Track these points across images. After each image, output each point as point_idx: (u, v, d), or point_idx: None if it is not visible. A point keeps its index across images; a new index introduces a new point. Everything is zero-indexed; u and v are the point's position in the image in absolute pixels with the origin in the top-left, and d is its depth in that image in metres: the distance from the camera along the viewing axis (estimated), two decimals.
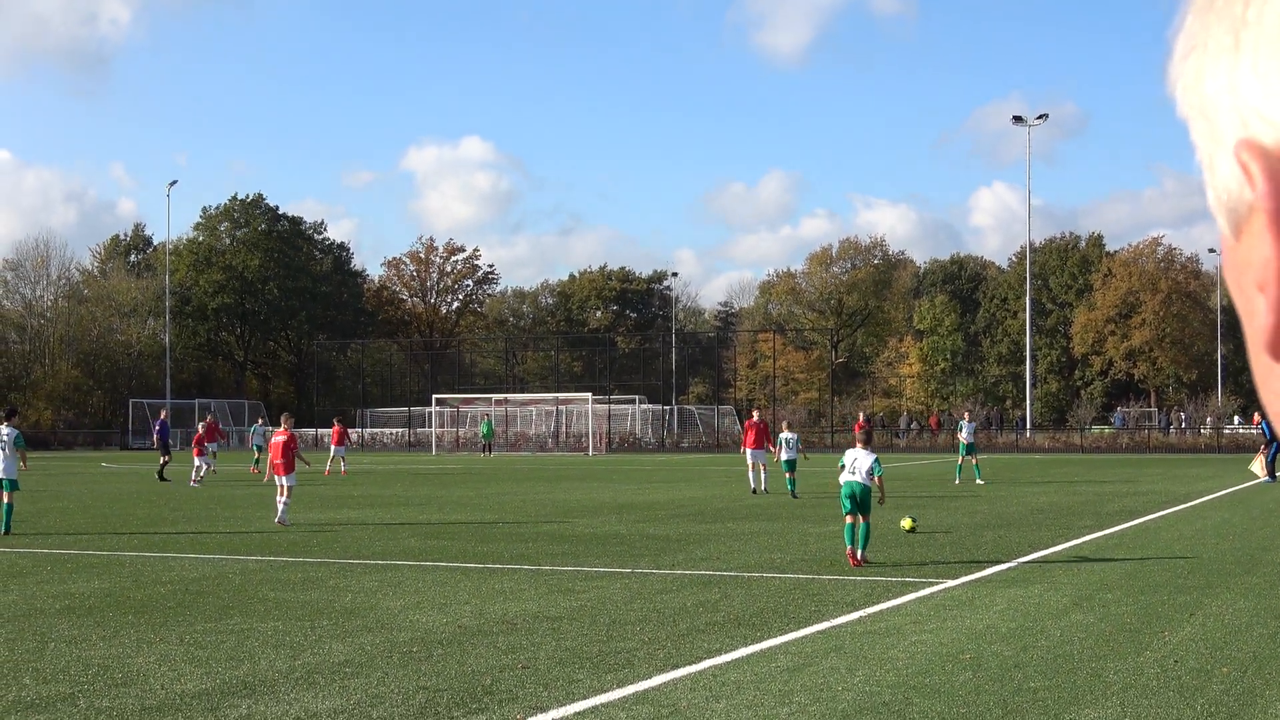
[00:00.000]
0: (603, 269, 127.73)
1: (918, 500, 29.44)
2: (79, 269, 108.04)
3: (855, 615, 12.78)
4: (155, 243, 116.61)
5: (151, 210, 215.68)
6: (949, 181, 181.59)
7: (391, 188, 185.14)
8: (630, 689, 9.42)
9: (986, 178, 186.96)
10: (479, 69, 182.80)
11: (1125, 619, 12.50)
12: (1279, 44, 0.77)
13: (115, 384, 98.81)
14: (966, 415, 39.73)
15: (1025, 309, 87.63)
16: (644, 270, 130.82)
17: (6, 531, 21.99)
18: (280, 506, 23.97)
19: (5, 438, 22.66)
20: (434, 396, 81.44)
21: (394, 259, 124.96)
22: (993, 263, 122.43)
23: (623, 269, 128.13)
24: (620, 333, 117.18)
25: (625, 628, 12.11)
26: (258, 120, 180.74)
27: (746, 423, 33.40)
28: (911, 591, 14.45)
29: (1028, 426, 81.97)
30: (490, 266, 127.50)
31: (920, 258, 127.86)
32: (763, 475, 32.43)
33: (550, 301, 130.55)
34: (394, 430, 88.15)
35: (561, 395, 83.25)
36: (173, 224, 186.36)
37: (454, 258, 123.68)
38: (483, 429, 72.54)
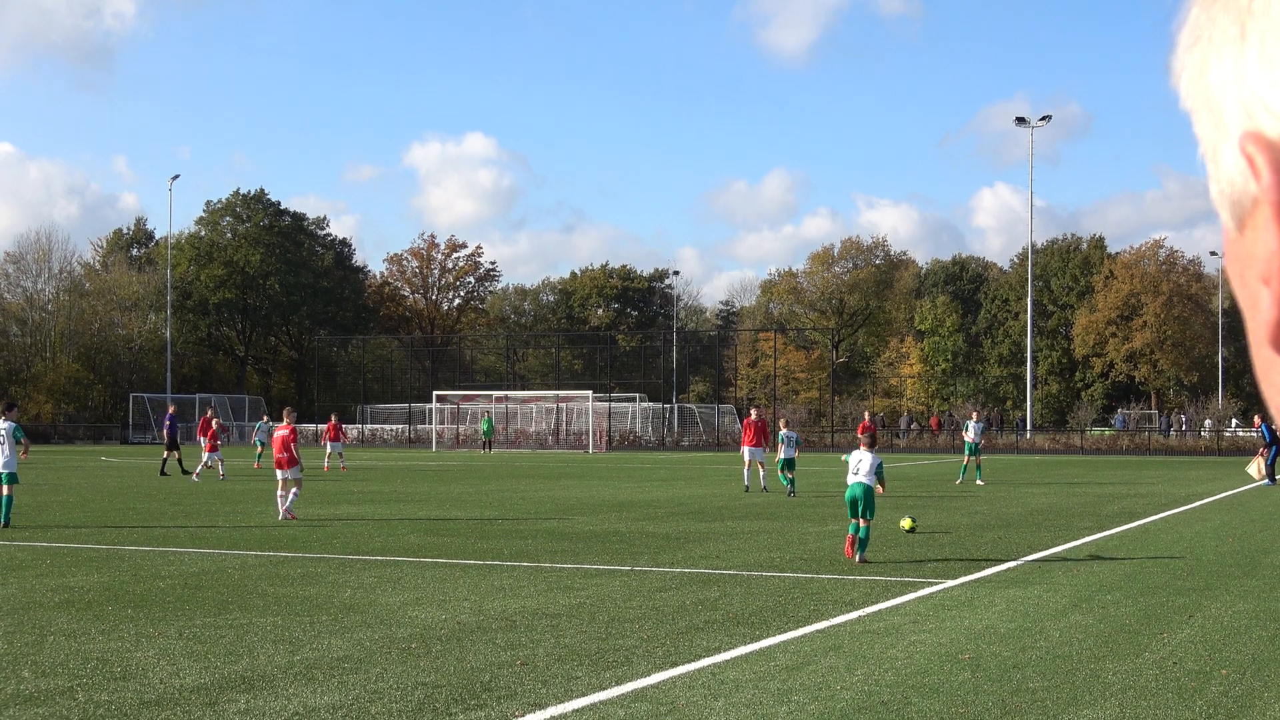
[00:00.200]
0: (604, 267, 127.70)
1: (918, 500, 29.44)
2: (80, 263, 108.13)
3: (854, 615, 12.78)
4: (157, 237, 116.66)
5: (154, 204, 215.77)
6: (952, 182, 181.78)
7: (394, 183, 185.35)
8: (629, 687, 9.42)
9: (989, 178, 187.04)
10: (482, 65, 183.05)
11: (1124, 620, 12.50)
12: None
13: (116, 378, 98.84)
14: (974, 415, 39.60)
15: (1027, 310, 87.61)
16: (646, 268, 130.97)
17: (6, 524, 21.99)
18: (281, 499, 24.02)
19: (4, 431, 22.65)
20: (434, 393, 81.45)
21: (396, 255, 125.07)
22: (994, 264, 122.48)
23: (624, 267, 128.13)
24: (621, 331, 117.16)
25: (624, 625, 12.11)
26: (261, 115, 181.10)
27: (745, 421, 33.48)
28: (911, 591, 14.45)
29: (1028, 428, 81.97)
30: (492, 264, 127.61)
31: (922, 258, 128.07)
32: (761, 473, 32.53)
33: (551, 299, 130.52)
34: (394, 426, 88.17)
35: (562, 393, 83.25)
36: (175, 218, 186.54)
37: (455, 254, 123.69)
38: (483, 426, 72.54)
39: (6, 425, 22.68)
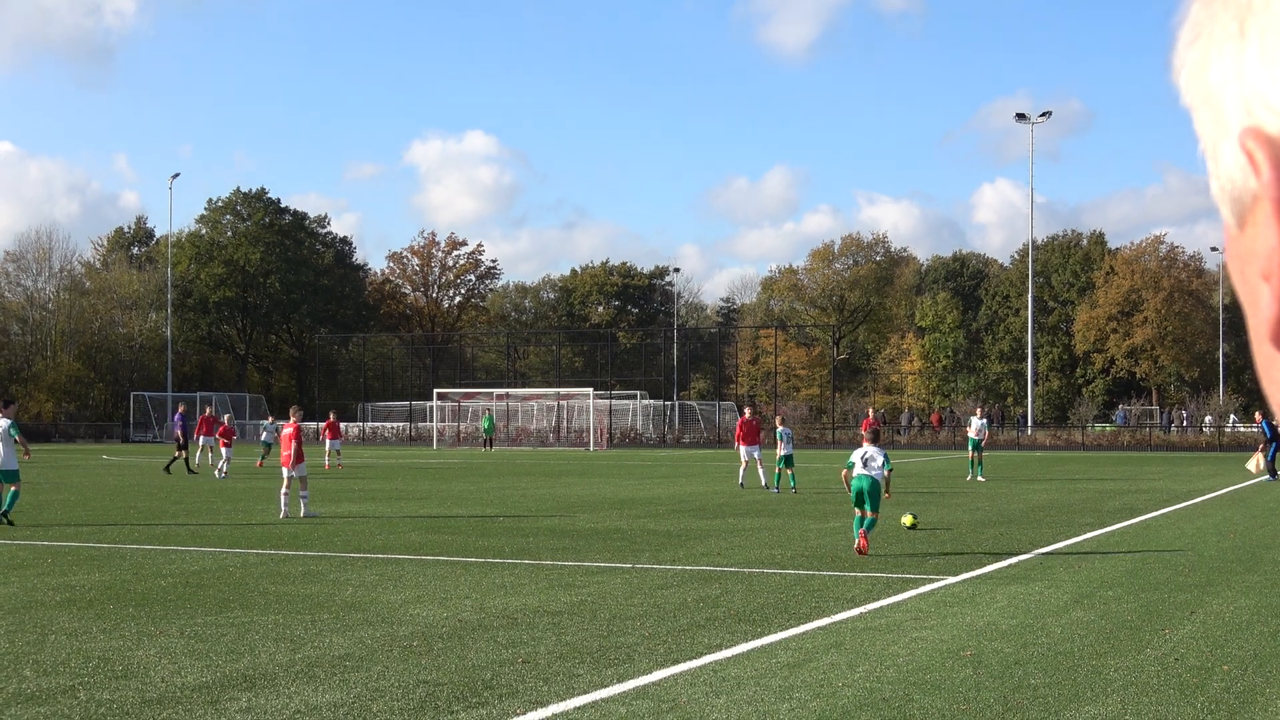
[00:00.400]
0: (605, 264, 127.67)
1: (919, 497, 29.43)
2: (81, 261, 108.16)
3: (856, 611, 12.78)
4: (158, 235, 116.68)
5: (154, 202, 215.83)
6: (952, 178, 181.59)
7: (395, 181, 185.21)
8: (630, 684, 9.42)
9: (990, 174, 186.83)
10: (483, 62, 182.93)
11: (1126, 616, 12.50)
12: None
13: (117, 377, 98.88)
14: (977, 412, 39.81)
15: (1027, 306, 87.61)
16: (646, 265, 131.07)
17: (3, 514, 22.08)
18: (285, 497, 24.08)
19: (3, 429, 22.66)
20: (435, 391, 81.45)
21: (396, 253, 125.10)
22: (995, 260, 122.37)
23: (625, 264, 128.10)
24: (622, 328, 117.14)
25: (626, 623, 12.11)
26: (261, 113, 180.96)
27: (740, 420, 33.68)
28: (912, 588, 14.45)
29: (1029, 424, 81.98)
30: (493, 261, 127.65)
31: (923, 254, 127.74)
32: (759, 470, 32.63)
33: (552, 296, 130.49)
34: (395, 424, 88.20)
35: (563, 390, 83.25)
36: (175, 216, 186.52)
37: (456, 252, 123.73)
38: (484, 424, 72.54)
39: (3, 423, 22.69)
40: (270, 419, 48.55)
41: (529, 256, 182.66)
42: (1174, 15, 0.86)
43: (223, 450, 39.41)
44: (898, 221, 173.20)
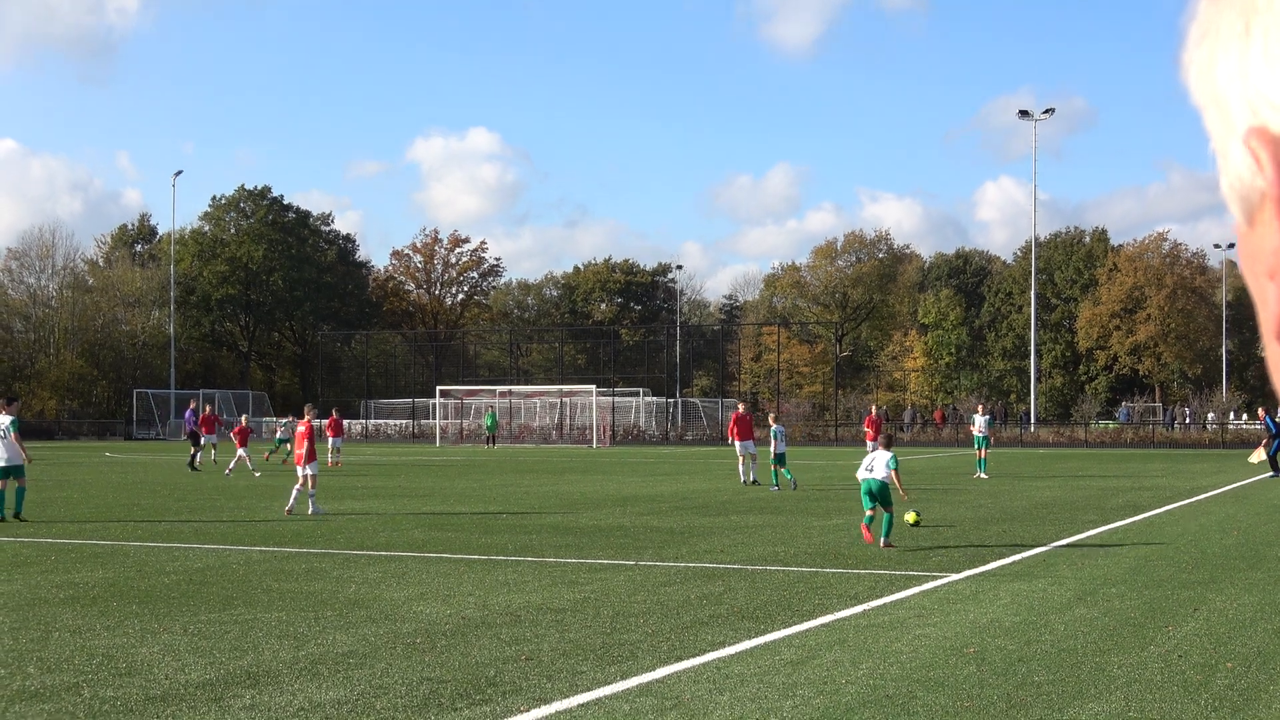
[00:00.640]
0: (607, 261, 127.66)
1: (922, 494, 29.41)
2: (84, 259, 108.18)
3: (859, 608, 12.78)
4: (161, 233, 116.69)
5: (157, 200, 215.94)
6: (955, 175, 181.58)
7: (398, 179, 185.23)
8: (634, 681, 9.42)
9: (993, 172, 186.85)
10: (486, 60, 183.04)
11: (1129, 613, 12.49)
12: None
13: (120, 374, 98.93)
14: (979, 409, 39.98)
15: (1030, 303, 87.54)
16: (649, 263, 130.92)
17: (13, 514, 22.36)
18: (310, 498, 24.17)
19: (5, 426, 22.76)
20: (438, 388, 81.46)
21: (399, 250, 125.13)
22: (998, 257, 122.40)
23: (627, 261, 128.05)
24: (625, 325, 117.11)
25: (629, 620, 12.11)
26: (264, 110, 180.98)
27: (734, 415, 33.92)
28: (915, 585, 14.45)
29: (1032, 421, 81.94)
30: (496, 259, 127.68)
31: (925, 252, 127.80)
32: (753, 466, 33.05)
33: (555, 294, 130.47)
34: (398, 422, 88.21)
35: (566, 387, 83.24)
36: (178, 214, 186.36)
37: (459, 249, 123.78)
38: (487, 421, 72.53)
39: (5, 420, 22.79)
40: (290, 417, 48.79)
41: (532, 254, 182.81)
42: (1182, 14, 0.86)
43: (238, 450, 39.37)
44: (901, 219, 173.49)
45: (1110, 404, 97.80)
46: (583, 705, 8.71)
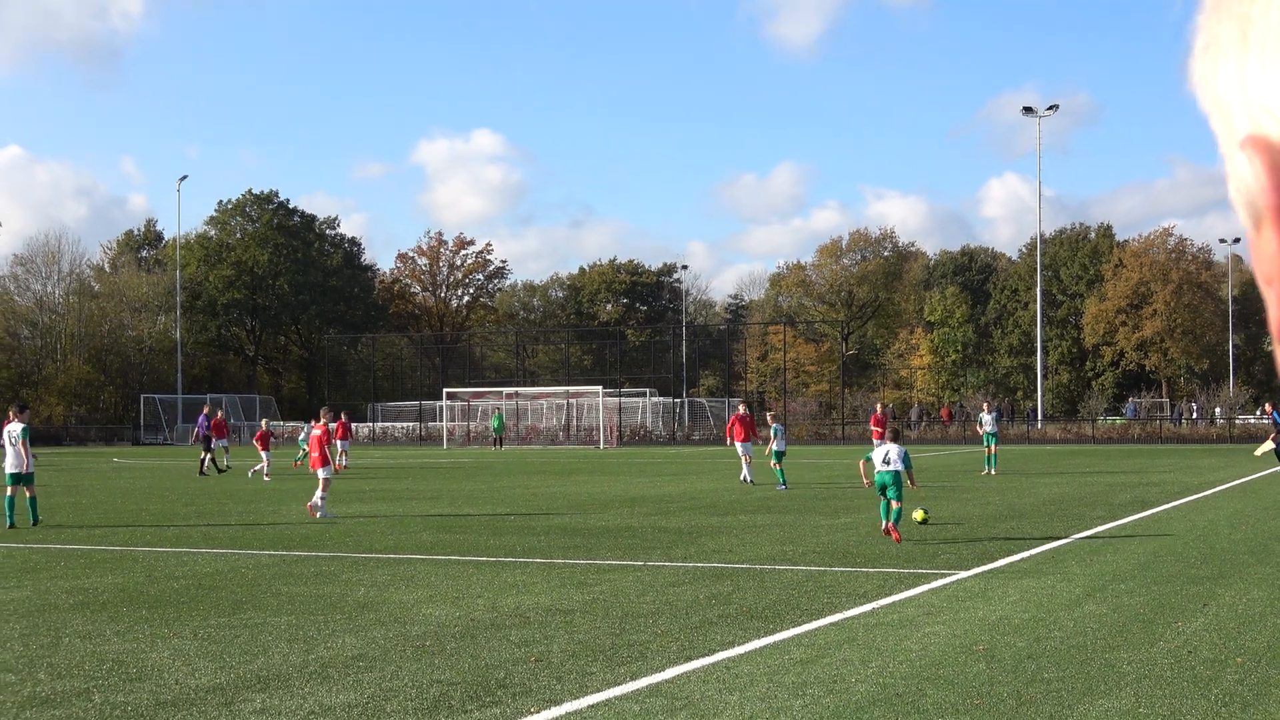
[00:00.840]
0: (613, 262, 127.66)
1: (930, 492, 29.40)
2: (90, 264, 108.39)
3: (868, 607, 12.78)
4: (166, 238, 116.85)
5: (162, 204, 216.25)
6: (960, 173, 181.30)
7: (402, 181, 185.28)
8: (643, 681, 9.43)
9: (998, 168, 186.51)
10: (489, 61, 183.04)
11: (1138, 610, 12.49)
12: None
13: (126, 379, 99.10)
14: (985, 406, 40.29)
15: (1036, 300, 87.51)
16: (654, 263, 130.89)
17: (18, 524, 22.48)
18: (318, 500, 24.22)
19: (16, 433, 22.90)
20: (445, 390, 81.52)
21: (405, 253, 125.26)
22: (1003, 254, 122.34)
23: (632, 261, 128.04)
24: (630, 326, 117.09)
25: (638, 620, 12.12)
26: (268, 114, 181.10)
27: (733, 416, 34.12)
28: (924, 583, 14.44)
29: (1039, 417, 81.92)
30: (502, 261, 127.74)
31: (931, 249, 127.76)
32: (749, 466, 33.20)
33: (560, 295, 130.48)
34: (405, 424, 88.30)
35: (572, 388, 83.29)
36: (183, 219, 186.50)
37: (464, 251, 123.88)
38: (494, 423, 72.63)
39: (17, 428, 22.94)
40: (312, 421, 48.96)
41: (537, 255, 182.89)
42: (1186, 16, 0.87)
43: (261, 454, 39.40)
44: (906, 216, 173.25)
45: (1117, 400, 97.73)
46: (593, 706, 8.71)
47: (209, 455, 41.99)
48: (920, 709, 8.52)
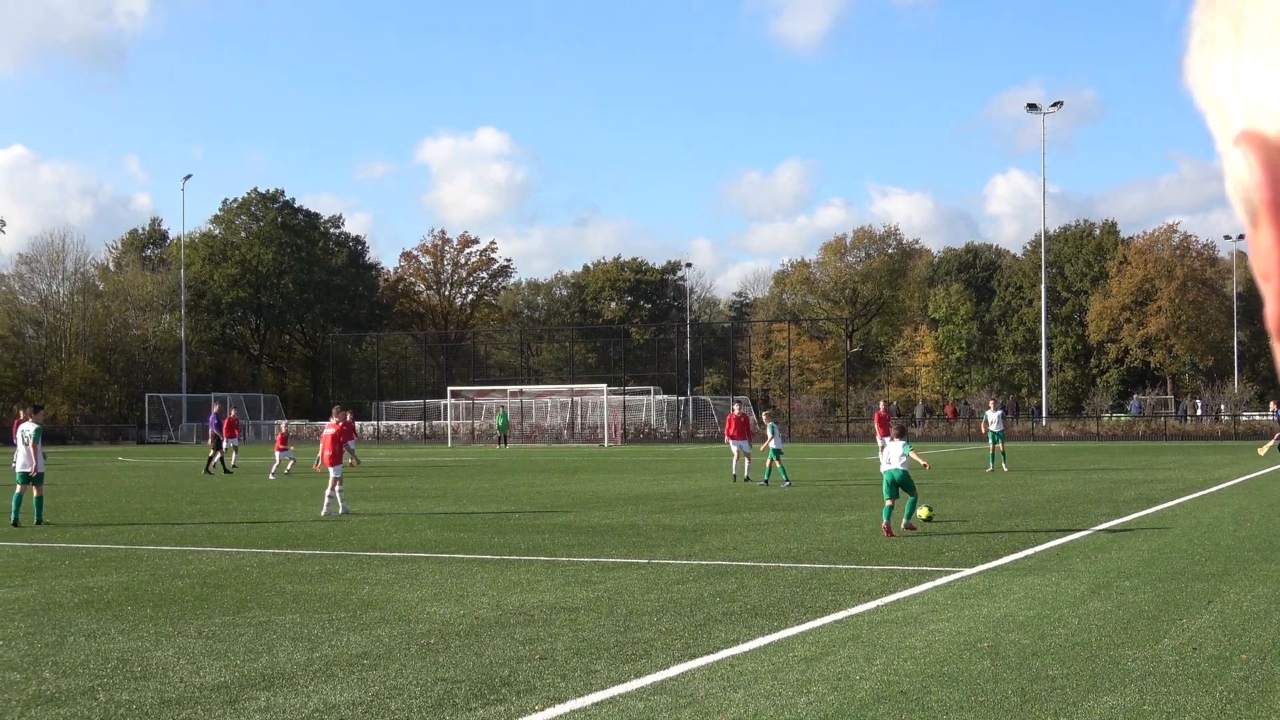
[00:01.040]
0: (617, 260, 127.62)
1: (934, 489, 29.39)
2: (95, 264, 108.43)
3: (873, 604, 12.78)
4: (171, 237, 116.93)
5: (167, 204, 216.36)
6: (965, 170, 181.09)
7: (407, 180, 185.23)
8: (648, 679, 9.43)
9: (1002, 165, 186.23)
10: (494, 60, 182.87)
11: (1143, 607, 12.48)
12: (1278, 36, 0.78)
13: (131, 378, 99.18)
14: (990, 404, 40.61)
15: (1041, 297, 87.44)
16: (658, 261, 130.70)
17: (21, 522, 22.57)
18: (326, 500, 24.33)
19: (29, 433, 23.02)
20: (449, 389, 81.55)
21: (409, 251, 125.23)
22: (1008, 251, 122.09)
23: (636, 259, 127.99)
24: (635, 324, 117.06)
25: (642, 618, 12.12)
26: (273, 113, 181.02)
27: (729, 416, 34.91)
28: (929, 580, 14.44)
29: (1044, 414, 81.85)
30: (507, 260, 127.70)
31: (935, 246, 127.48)
32: (745, 464, 33.68)
33: (565, 293, 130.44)
34: (409, 423, 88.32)
35: (576, 387, 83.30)
36: (188, 218, 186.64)
37: (468, 250, 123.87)
38: (498, 421, 72.65)
39: (30, 428, 23.09)
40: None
41: (541, 253, 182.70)
42: (1185, 20, 0.87)
43: (276, 455, 39.41)
44: (910, 214, 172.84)
45: (1122, 397, 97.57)
46: (597, 704, 8.72)
47: (218, 454, 42.01)
48: (925, 706, 8.52)
